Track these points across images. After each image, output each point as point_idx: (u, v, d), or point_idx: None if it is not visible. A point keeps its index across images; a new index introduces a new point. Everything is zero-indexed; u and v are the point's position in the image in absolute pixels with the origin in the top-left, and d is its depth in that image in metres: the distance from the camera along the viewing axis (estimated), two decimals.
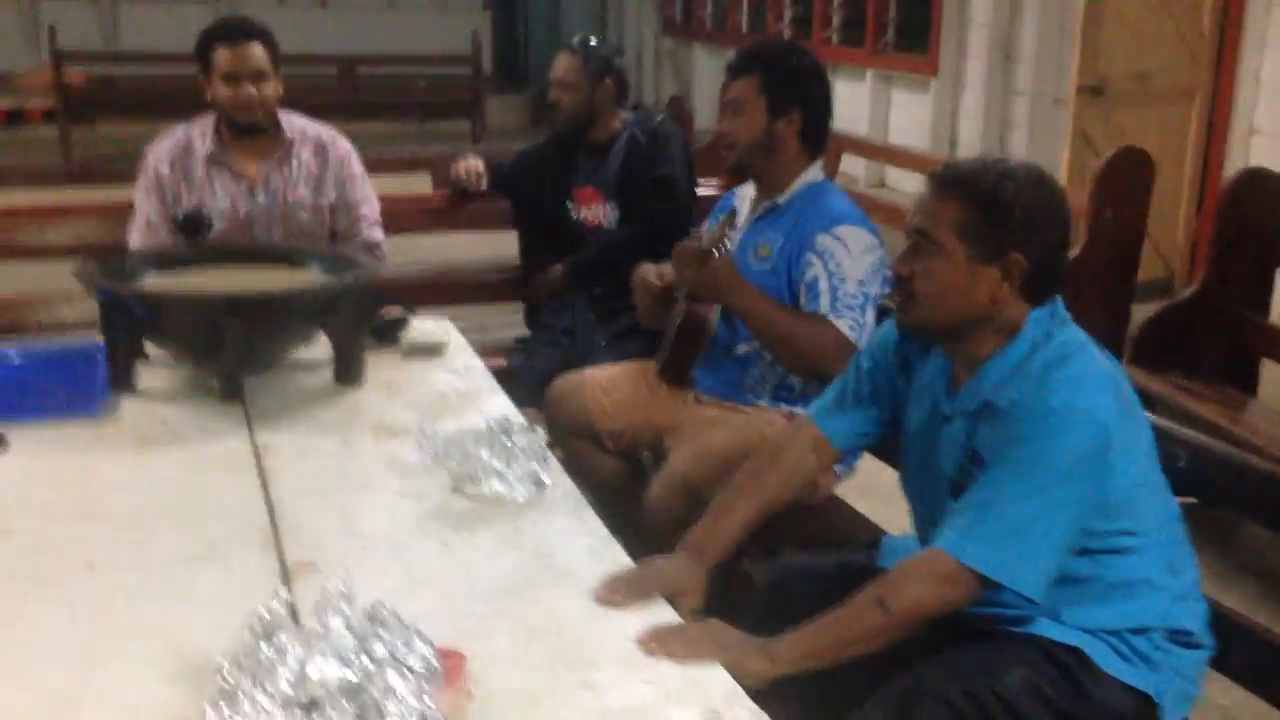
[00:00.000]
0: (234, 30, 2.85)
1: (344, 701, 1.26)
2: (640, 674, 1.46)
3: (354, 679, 1.27)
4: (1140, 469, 1.61)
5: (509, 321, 3.74)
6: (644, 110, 3.51)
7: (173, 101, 5.85)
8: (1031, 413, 1.55)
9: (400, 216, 3.32)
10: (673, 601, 1.61)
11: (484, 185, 3.49)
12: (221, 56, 2.81)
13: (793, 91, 2.44)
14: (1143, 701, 1.62)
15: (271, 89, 2.84)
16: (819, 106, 2.49)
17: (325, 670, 1.27)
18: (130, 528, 1.81)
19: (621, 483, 2.60)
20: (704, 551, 1.74)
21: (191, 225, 2.65)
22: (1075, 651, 1.61)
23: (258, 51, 2.81)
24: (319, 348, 2.47)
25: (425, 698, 1.28)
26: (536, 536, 1.82)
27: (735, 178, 2.60)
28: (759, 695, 1.42)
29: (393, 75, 9.71)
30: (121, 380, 2.31)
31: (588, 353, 3.06)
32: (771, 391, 2.46)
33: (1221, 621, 1.75)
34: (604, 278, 3.24)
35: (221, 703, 1.25)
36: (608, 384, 2.65)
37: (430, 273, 3.71)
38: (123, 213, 3.07)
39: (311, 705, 1.26)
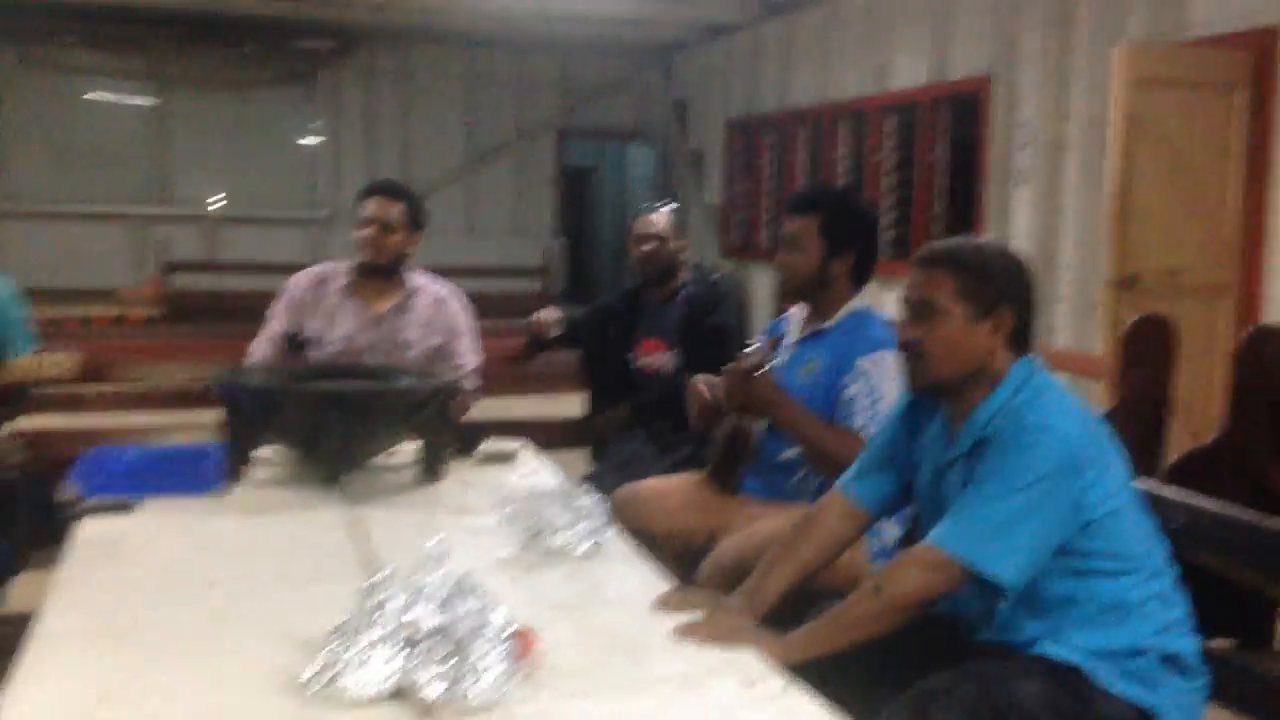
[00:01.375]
0: (382, 187, 3.38)
1: (438, 640, 1.50)
2: (683, 654, 1.69)
3: (446, 622, 1.51)
4: (1118, 499, 1.83)
5: (575, 466, 4.03)
6: (703, 267, 3.90)
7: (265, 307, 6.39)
8: (1009, 432, 1.81)
9: (485, 363, 3.67)
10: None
11: (556, 333, 3.86)
12: (365, 205, 3.29)
13: (848, 234, 2.76)
14: (1145, 716, 1.78)
15: (396, 240, 3.28)
16: (869, 247, 2.82)
17: (422, 615, 1.52)
18: (242, 559, 2.10)
19: (678, 578, 2.80)
20: (753, 602, 1.96)
21: (293, 342, 3.13)
22: (1077, 670, 1.79)
23: (395, 209, 3.29)
24: (403, 455, 2.79)
25: (505, 644, 1.52)
26: (596, 576, 2.07)
27: (787, 302, 2.91)
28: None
29: (473, 284, 10.44)
30: (235, 470, 2.62)
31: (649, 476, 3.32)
32: (814, 493, 2.68)
33: (1216, 657, 1.91)
34: (665, 415, 3.54)
35: (338, 638, 1.50)
36: (664, 490, 2.91)
37: (505, 420, 4.04)
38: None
39: (411, 642, 1.50)
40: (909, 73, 7.97)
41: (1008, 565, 1.77)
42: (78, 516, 2.27)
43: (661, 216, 3.75)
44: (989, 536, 1.78)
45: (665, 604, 1.85)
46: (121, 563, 2.03)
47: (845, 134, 8.86)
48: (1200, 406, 5.55)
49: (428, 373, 2.91)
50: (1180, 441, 4.49)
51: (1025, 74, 6.90)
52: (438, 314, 3.35)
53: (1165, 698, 1.80)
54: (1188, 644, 1.87)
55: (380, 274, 3.29)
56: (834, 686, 1.63)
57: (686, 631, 1.74)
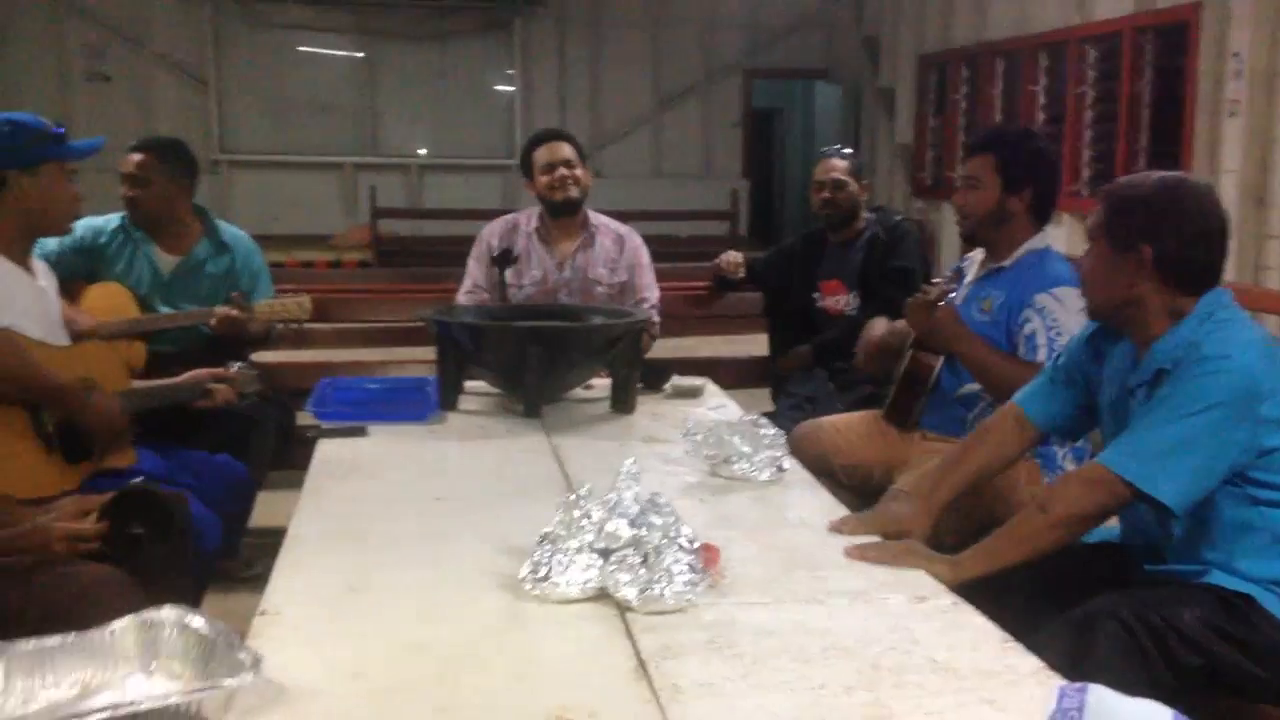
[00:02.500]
0: (547, 134, 3.59)
1: (631, 550, 1.68)
2: (859, 570, 1.83)
3: (640, 534, 1.68)
4: None
5: (757, 404, 4.17)
6: (885, 210, 3.96)
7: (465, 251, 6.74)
8: (1186, 361, 1.86)
9: (672, 303, 3.85)
10: (899, 536, 1.96)
11: (741, 274, 4.00)
12: (539, 154, 3.49)
13: (1026, 171, 2.78)
14: None
15: (582, 174, 3.48)
16: (1048, 185, 2.83)
17: (619, 528, 1.70)
18: (461, 478, 2.34)
19: (855, 511, 2.93)
20: (930, 500, 2.08)
21: (503, 259, 3.37)
22: (1246, 598, 1.83)
23: (566, 146, 3.51)
24: (597, 390, 2.99)
25: (692, 555, 1.69)
26: (777, 500, 2.22)
27: (968, 245, 2.96)
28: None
29: (660, 228, 10.65)
30: (448, 400, 2.87)
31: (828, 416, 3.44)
32: None
33: None
34: (845, 355, 3.64)
35: (545, 544, 1.70)
36: (843, 426, 3.02)
37: (690, 358, 4.21)
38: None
39: (608, 552, 1.69)
40: (1112, 1, 7.65)
41: (1171, 487, 1.82)
42: (317, 439, 2.55)
43: (841, 161, 3.82)
44: (1154, 458, 1.83)
45: (839, 528, 1.98)
46: (357, 479, 2.29)
47: (1044, 67, 8.57)
48: None
49: (619, 311, 3.10)
50: None
51: (1237, 1, 6.55)
52: (620, 251, 3.53)
53: None
54: None
55: (569, 213, 3.48)
56: (1001, 612, 1.73)
57: (859, 553, 1.86)
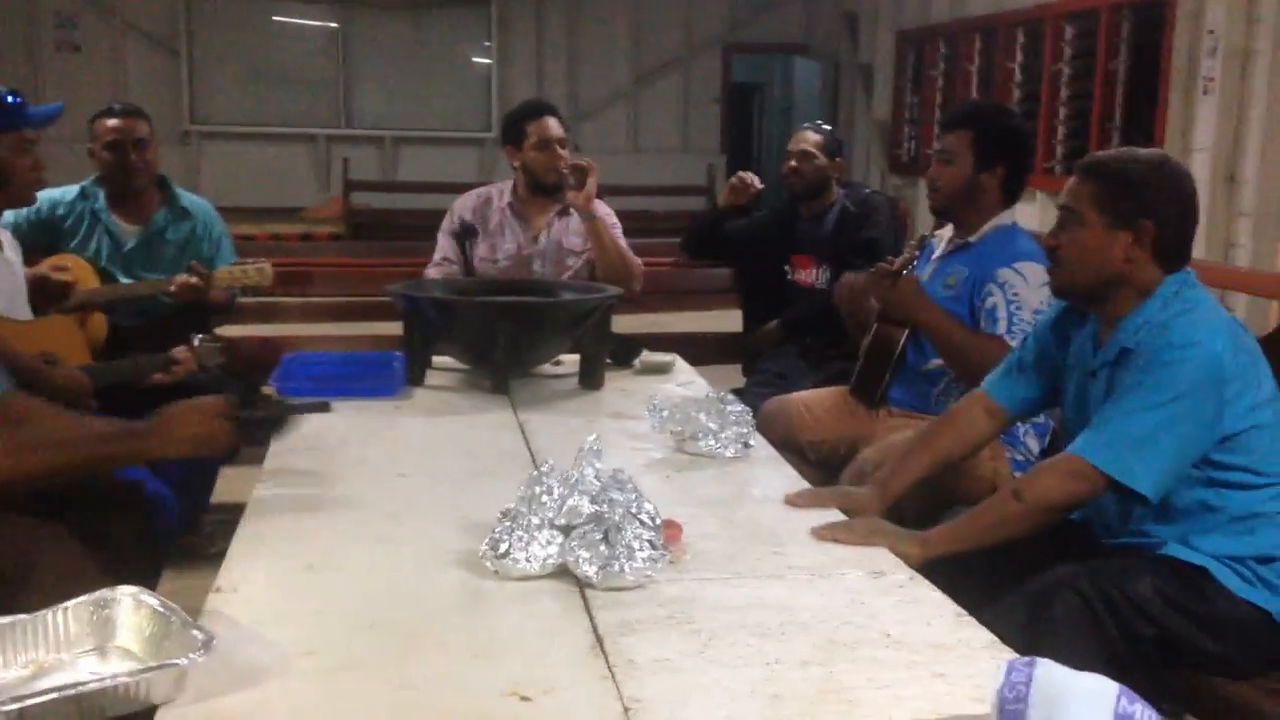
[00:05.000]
0: (540, 108, 3.55)
1: (592, 526, 1.67)
2: (819, 547, 1.84)
3: (602, 510, 1.68)
4: (1261, 414, 1.86)
5: (727, 380, 4.17)
6: (856, 185, 3.95)
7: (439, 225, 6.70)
8: (1154, 347, 1.86)
9: (645, 279, 3.82)
10: (851, 515, 1.97)
11: (758, 186, 3.93)
12: (533, 128, 3.46)
13: (1000, 149, 2.79)
14: (1265, 618, 1.84)
15: (567, 153, 3.46)
16: (1021, 163, 2.84)
17: (580, 504, 1.70)
18: (425, 455, 2.33)
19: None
20: (886, 487, 2.09)
21: (462, 233, 3.35)
22: (1201, 570, 1.85)
23: (559, 124, 3.49)
24: (566, 365, 2.98)
25: (654, 532, 1.69)
26: (742, 477, 2.22)
27: (939, 219, 2.97)
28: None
29: (638, 203, 10.64)
30: (415, 376, 2.86)
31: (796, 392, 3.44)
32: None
33: None
34: (815, 330, 3.65)
35: (506, 521, 1.70)
36: (811, 402, 3.03)
37: (661, 334, 4.21)
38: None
39: (569, 528, 1.69)
40: None
41: (1148, 477, 1.84)
42: (282, 415, 2.53)
43: (814, 134, 3.81)
44: (1131, 448, 1.84)
45: (796, 502, 1.98)
46: (320, 455, 2.28)
47: (1021, 44, 8.57)
48: None
49: (589, 286, 3.09)
50: None
51: None
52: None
53: None
54: None
55: (553, 190, 3.46)
56: (958, 580, 1.74)
57: (828, 533, 1.86)
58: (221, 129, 11.75)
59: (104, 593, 1.44)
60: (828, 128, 3.92)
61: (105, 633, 1.43)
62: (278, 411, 2.58)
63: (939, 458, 2.16)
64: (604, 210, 3.48)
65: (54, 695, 1.23)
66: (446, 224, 3.53)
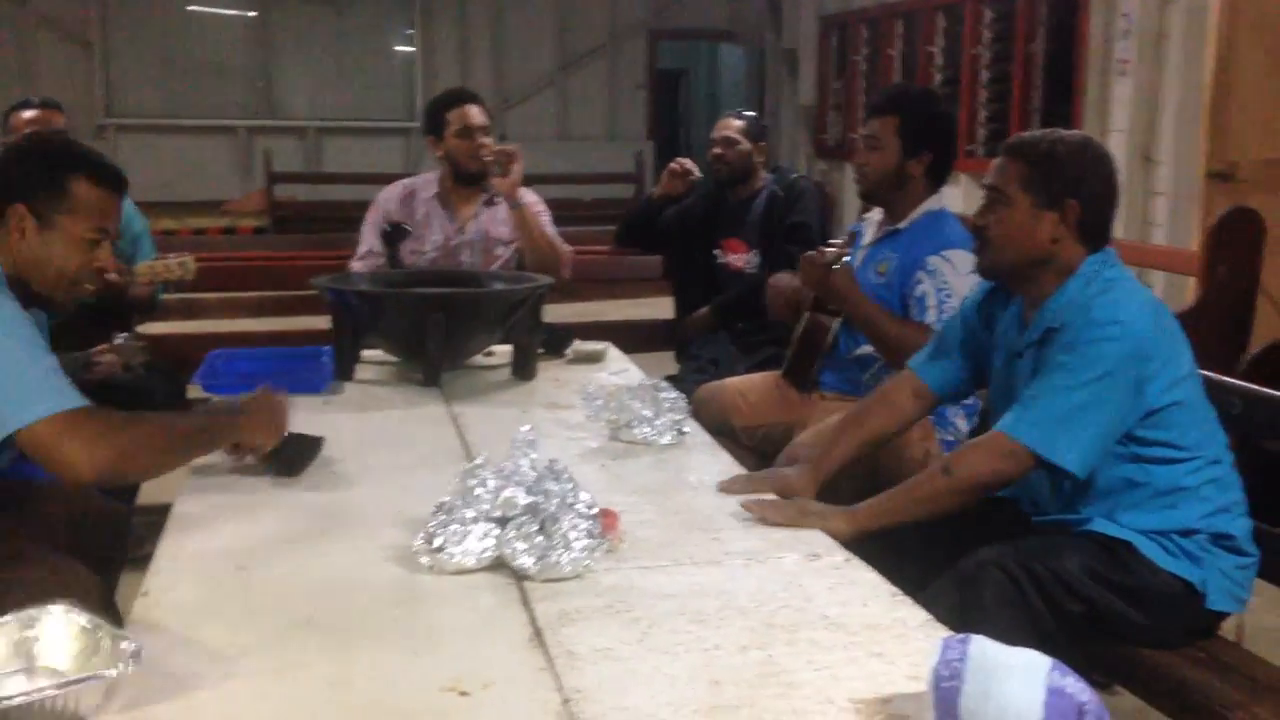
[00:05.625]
0: (461, 96, 3.51)
1: (528, 518, 1.66)
2: (755, 531, 1.84)
3: (537, 502, 1.67)
4: (1180, 391, 1.90)
5: (660, 367, 4.18)
6: (782, 170, 3.97)
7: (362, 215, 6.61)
8: (1078, 325, 1.89)
9: (575, 267, 3.81)
10: (785, 496, 1.98)
11: (697, 173, 3.95)
12: (453, 116, 3.41)
13: (927, 135, 2.81)
14: (1189, 589, 1.89)
15: (492, 140, 3.42)
16: (947, 148, 2.88)
17: (515, 495, 1.69)
18: (357, 450, 2.29)
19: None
20: (818, 466, 2.11)
21: (393, 234, 3.26)
22: (1127, 545, 1.90)
23: (481, 111, 3.44)
24: (499, 356, 2.96)
25: (591, 522, 1.68)
26: (677, 464, 2.23)
27: (866, 205, 2.99)
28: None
29: (565, 191, 10.61)
30: (344, 370, 2.82)
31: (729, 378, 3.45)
32: None
33: (1268, 538, 2.00)
34: (746, 315, 3.67)
35: (441, 514, 1.68)
36: (744, 388, 3.05)
37: (592, 323, 4.20)
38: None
39: (504, 520, 1.67)
40: None
41: (1074, 454, 1.87)
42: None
43: (738, 121, 3.82)
44: (1057, 426, 1.87)
45: (729, 488, 1.99)
46: (248, 452, 2.23)
47: (942, 28, 8.68)
48: None
49: (520, 276, 3.06)
50: (1275, 335, 4.46)
51: None
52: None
53: (1212, 573, 1.90)
54: (1240, 525, 1.96)
55: (481, 179, 3.43)
56: (892, 562, 1.76)
57: (757, 509, 1.88)
58: (138, 122, 11.48)
59: (31, 611, 1.40)
60: (751, 114, 3.93)
61: (32, 652, 1.39)
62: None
63: (868, 437, 2.19)
64: (531, 198, 3.46)
65: None
66: (371, 216, 3.48)
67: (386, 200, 3.49)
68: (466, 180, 3.44)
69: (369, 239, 3.44)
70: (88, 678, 1.27)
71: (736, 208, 3.82)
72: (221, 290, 4.15)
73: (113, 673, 1.26)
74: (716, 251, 3.85)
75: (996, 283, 2.13)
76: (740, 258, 3.80)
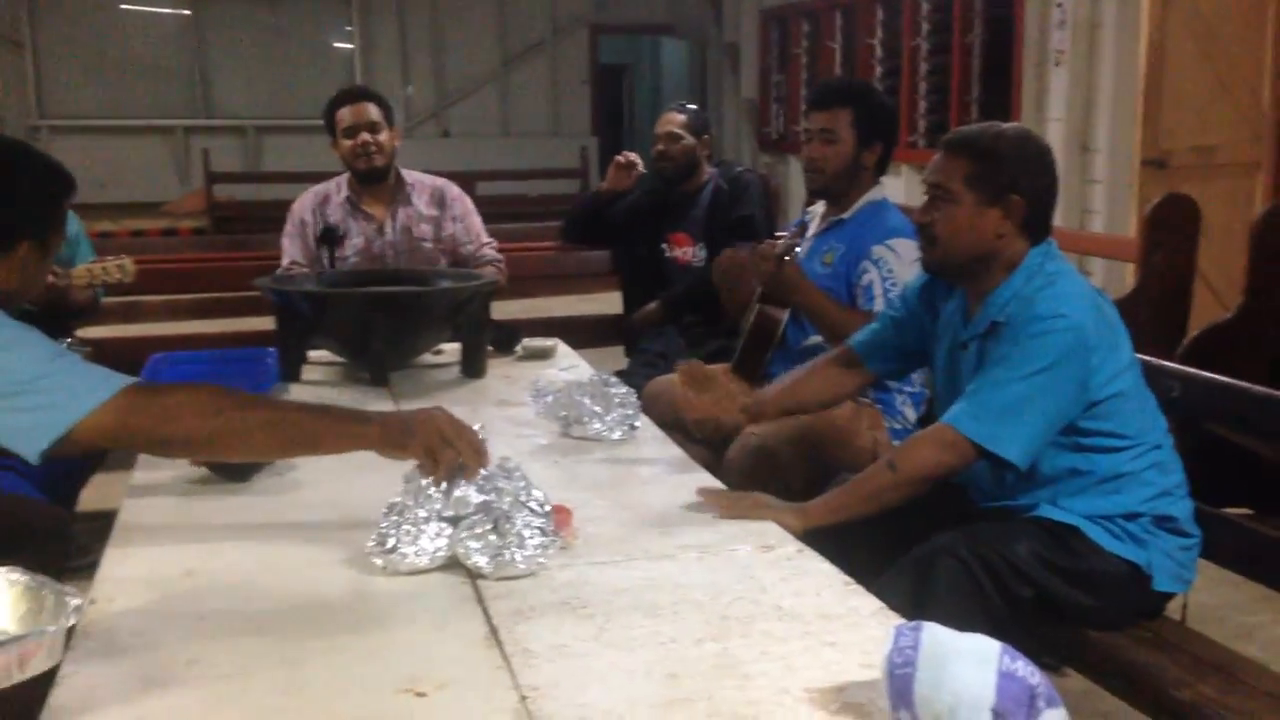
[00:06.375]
0: (351, 94, 3.48)
1: (481, 516, 1.65)
2: (709, 525, 1.85)
3: (490, 499, 1.66)
4: (1122, 381, 1.94)
5: (609, 363, 4.17)
6: (727, 163, 3.99)
7: None
8: (1022, 319, 1.92)
9: (522, 263, 3.80)
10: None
11: (640, 167, 3.95)
12: (342, 115, 3.38)
13: (878, 126, 2.84)
14: (1135, 571, 1.93)
15: (386, 137, 3.38)
16: (894, 139, 2.91)
17: (467, 494, 1.68)
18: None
19: (707, 464, 2.97)
20: (758, 405, 2.26)
21: (328, 237, 3.24)
22: (1073, 529, 1.93)
23: (371, 108, 3.38)
24: (447, 355, 2.94)
25: (544, 518, 1.68)
26: (629, 458, 2.23)
27: (815, 199, 3.00)
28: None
29: (509, 188, 10.55)
30: (290, 372, 2.79)
31: None
32: None
33: (1209, 519, 2.04)
34: (694, 309, 3.68)
35: (392, 515, 1.67)
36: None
37: (540, 319, 4.19)
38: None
39: (457, 519, 1.66)
40: None
41: (1016, 446, 1.90)
42: None
43: (679, 115, 3.82)
44: (999, 418, 1.90)
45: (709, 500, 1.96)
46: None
47: (881, 20, 8.76)
48: (1235, 285, 5.57)
49: (466, 274, 3.05)
50: (1213, 319, 4.55)
51: None
52: (440, 205, 3.46)
53: (1156, 555, 1.94)
54: (1182, 507, 2.00)
55: (379, 178, 3.39)
56: (845, 551, 1.77)
57: (711, 500, 1.89)
58: (72, 123, 11.27)
59: None
60: (693, 107, 3.94)
61: None
62: None
63: (804, 399, 2.32)
64: (454, 191, 3.45)
65: None
66: (288, 228, 3.43)
67: (301, 210, 3.44)
68: (364, 179, 3.39)
69: (290, 250, 3.39)
70: (32, 632, 1.25)
71: (682, 201, 3.83)
72: (162, 293, 4.08)
73: (54, 628, 1.26)
74: (664, 246, 3.85)
75: (941, 278, 2.15)
76: (687, 251, 3.82)
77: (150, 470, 2.12)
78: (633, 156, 3.97)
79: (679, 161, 3.78)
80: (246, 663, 1.38)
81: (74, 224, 3.38)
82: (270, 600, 1.57)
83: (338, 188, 3.46)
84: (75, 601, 1.29)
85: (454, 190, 3.51)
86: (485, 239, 3.50)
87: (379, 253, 3.39)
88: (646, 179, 3.94)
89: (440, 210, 3.46)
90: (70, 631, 1.34)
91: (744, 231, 3.58)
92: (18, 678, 1.23)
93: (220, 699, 1.31)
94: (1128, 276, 5.26)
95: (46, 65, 11.25)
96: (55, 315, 3.15)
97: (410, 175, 3.49)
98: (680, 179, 3.82)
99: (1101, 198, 6.97)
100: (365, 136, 3.33)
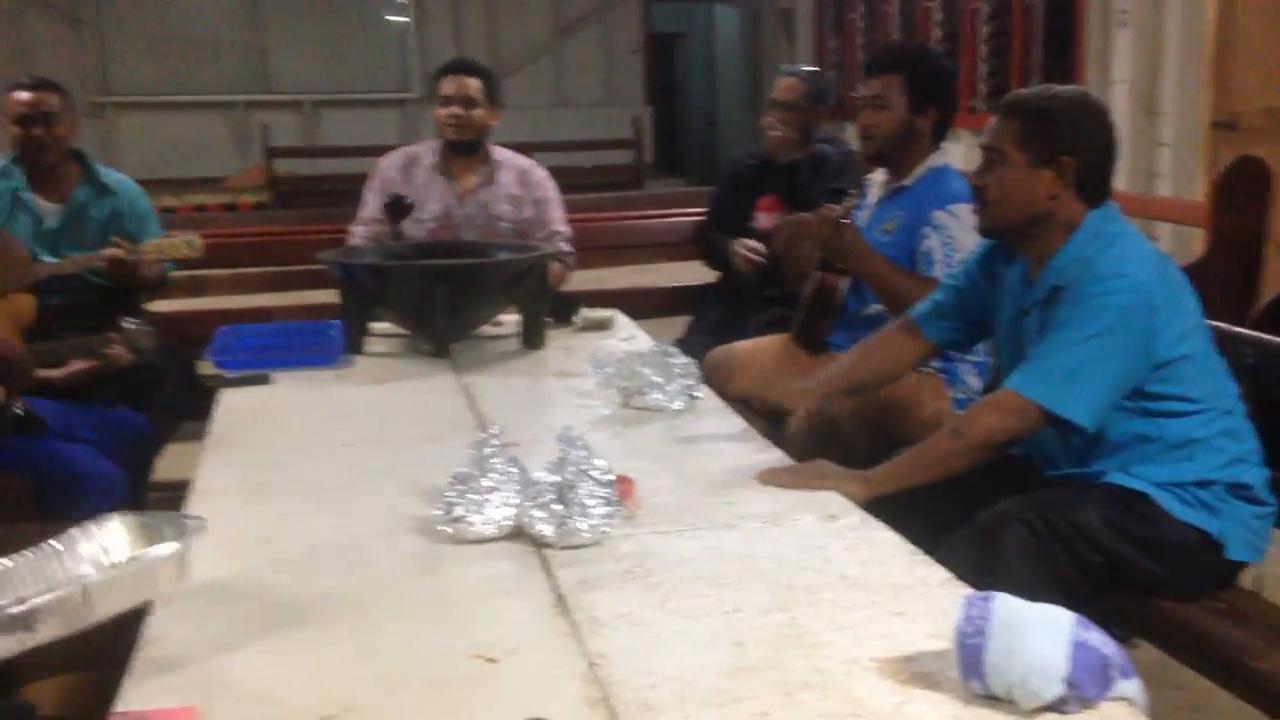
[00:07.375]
0: (457, 65, 3.49)
1: (546, 485, 1.67)
2: (772, 495, 1.85)
3: (553, 470, 1.68)
4: (1189, 343, 1.90)
5: (667, 333, 4.16)
6: (837, 139, 3.87)
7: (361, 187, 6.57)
8: (1083, 280, 1.89)
9: (578, 235, 3.77)
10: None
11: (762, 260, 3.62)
12: (444, 84, 3.40)
13: (932, 90, 2.80)
14: (1206, 539, 1.89)
15: (480, 115, 3.39)
16: (951, 103, 2.87)
17: (531, 464, 1.69)
18: (370, 422, 2.30)
19: (768, 436, 2.96)
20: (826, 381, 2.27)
21: (395, 208, 3.24)
22: (1143, 496, 1.90)
23: (471, 83, 3.39)
24: (507, 326, 2.96)
25: (607, 489, 1.69)
26: (690, 429, 2.23)
27: (872, 166, 2.96)
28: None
29: (563, 159, 10.56)
30: (354, 343, 2.82)
31: (739, 339, 3.42)
32: None
33: None
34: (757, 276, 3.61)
35: (458, 484, 1.69)
36: (754, 351, 3.05)
37: (598, 291, 4.19)
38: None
39: (522, 488, 1.68)
40: None
41: (1083, 408, 1.87)
42: (218, 389, 2.49)
43: (800, 82, 3.62)
44: (1065, 381, 1.87)
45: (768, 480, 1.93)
46: (264, 428, 2.25)
47: None
48: None
49: (525, 245, 3.06)
50: None
51: None
52: (524, 185, 3.47)
53: (1229, 524, 1.91)
54: (1256, 475, 1.96)
55: (466, 150, 3.41)
56: (909, 521, 1.76)
57: (773, 478, 1.88)
58: (135, 99, 11.44)
59: (88, 524, 1.40)
60: (812, 70, 3.75)
61: (99, 558, 1.39)
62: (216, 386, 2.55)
63: (868, 374, 2.29)
64: (539, 174, 3.45)
65: (60, 592, 1.21)
66: (372, 182, 3.47)
67: (388, 167, 3.48)
68: (455, 150, 3.42)
69: (371, 203, 3.42)
70: (160, 547, 1.32)
71: (784, 170, 3.67)
72: (226, 266, 4.14)
73: (181, 545, 1.32)
74: (754, 215, 3.72)
75: (999, 241, 2.13)
76: (770, 217, 3.69)
77: (220, 442, 2.16)
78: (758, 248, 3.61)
79: (793, 130, 3.59)
80: (319, 629, 1.41)
81: (141, 201, 3.44)
82: (342, 567, 1.60)
83: (429, 151, 3.49)
84: (194, 523, 1.35)
85: (539, 173, 3.51)
86: (559, 228, 3.48)
87: (457, 223, 3.41)
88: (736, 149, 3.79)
89: (523, 191, 3.47)
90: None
91: (830, 201, 3.49)
92: (148, 594, 1.34)
93: (295, 662, 1.33)
94: (1195, 242, 5.14)
95: (109, 43, 11.42)
96: (125, 290, 3.22)
97: (500, 153, 3.50)
98: (791, 148, 3.63)
99: (1168, 161, 6.81)
100: (456, 109, 3.36)
